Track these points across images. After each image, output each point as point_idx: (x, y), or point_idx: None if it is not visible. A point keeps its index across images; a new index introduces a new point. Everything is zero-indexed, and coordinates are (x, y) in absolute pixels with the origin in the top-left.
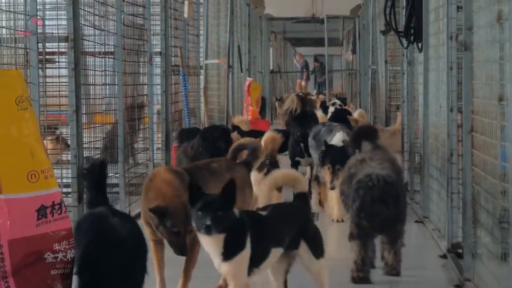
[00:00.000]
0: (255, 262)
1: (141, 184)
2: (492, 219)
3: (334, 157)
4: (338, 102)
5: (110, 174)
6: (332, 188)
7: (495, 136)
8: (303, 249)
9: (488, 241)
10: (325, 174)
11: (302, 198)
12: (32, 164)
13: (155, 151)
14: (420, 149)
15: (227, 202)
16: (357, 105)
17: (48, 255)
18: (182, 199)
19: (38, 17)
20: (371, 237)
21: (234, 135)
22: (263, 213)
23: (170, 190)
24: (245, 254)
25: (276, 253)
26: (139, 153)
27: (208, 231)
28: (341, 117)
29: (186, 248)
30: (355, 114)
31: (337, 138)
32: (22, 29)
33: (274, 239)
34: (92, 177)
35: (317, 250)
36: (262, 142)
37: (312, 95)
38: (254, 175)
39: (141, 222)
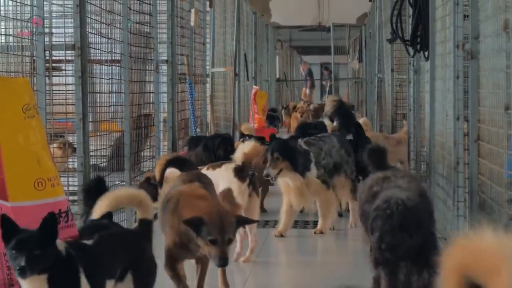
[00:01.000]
0: None
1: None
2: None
3: (275, 147)
4: None
5: (117, 182)
6: (266, 176)
7: (501, 145)
8: (128, 283)
9: None
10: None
11: (144, 225)
12: (39, 172)
13: None
14: (426, 158)
15: (47, 238)
16: (363, 114)
17: None
18: (216, 208)
19: (38, 16)
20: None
21: (237, 143)
22: (89, 242)
23: (203, 202)
24: None
25: (109, 285)
26: (145, 161)
27: (23, 273)
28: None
29: (227, 258)
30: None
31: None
32: (29, 38)
33: (106, 270)
34: (92, 197)
35: (142, 285)
36: (243, 153)
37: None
38: (237, 185)
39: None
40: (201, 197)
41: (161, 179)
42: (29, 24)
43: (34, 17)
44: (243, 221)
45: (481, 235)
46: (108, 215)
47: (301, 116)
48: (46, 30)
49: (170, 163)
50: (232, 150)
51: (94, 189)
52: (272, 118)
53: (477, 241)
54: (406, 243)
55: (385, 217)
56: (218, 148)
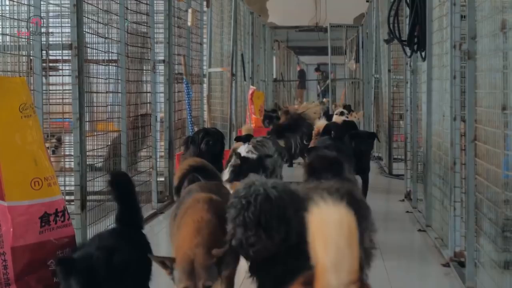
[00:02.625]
0: None
1: (144, 192)
2: (495, 228)
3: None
4: (345, 111)
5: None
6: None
7: (498, 145)
8: None
9: (491, 250)
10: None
11: None
12: (36, 172)
13: (158, 159)
14: (423, 158)
15: None
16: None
17: (51, 262)
18: (194, 249)
19: (37, 16)
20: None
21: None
22: None
23: (190, 233)
24: None
25: None
26: (142, 161)
27: None
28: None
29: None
30: None
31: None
32: (25, 37)
33: None
34: (117, 191)
35: None
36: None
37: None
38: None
39: None
40: (196, 222)
41: (180, 185)
42: (28, 24)
43: (34, 17)
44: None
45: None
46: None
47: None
48: (43, 29)
49: (193, 170)
50: (216, 143)
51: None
52: (271, 118)
53: (316, 211)
54: (261, 241)
55: (240, 207)
56: (201, 141)
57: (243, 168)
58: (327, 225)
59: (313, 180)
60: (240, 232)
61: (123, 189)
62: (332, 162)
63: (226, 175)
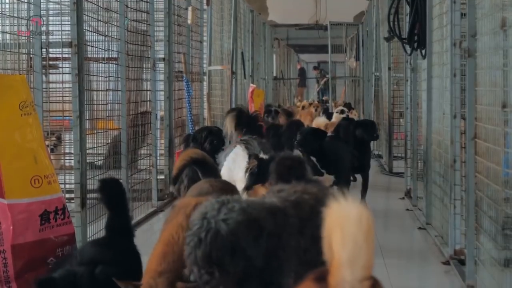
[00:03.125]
0: None
1: (144, 190)
2: (495, 226)
3: None
4: (346, 110)
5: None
6: None
7: (498, 143)
8: None
9: (491, 247)
10: None
11: None
12: (36, 169)
13: (158, 157)
14: (423, 156)
15: None
16: (361, 112)
17: (51, 260)
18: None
19: (37, 16)
20: None
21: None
22: None
23: (159, 259)
24: None
25: None
26: (142, 159)
27: None
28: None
29: None
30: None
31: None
32: (26, 35)
33: None
34: (108, 198)
35: None
36: None
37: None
38: None
39: None
40: (167, 241)
41: (178, 176)
42: (28, 23)
43: (34, 17)
44: None
45: (339, 203)
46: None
47: (315, 111)
48: (43, 28)
49: (194, 162)
50: (219, 143)
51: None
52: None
53: (334, 207)
54: (215, 279)
55: (192, 245)
56: (205, 141)
57: (261, 170)
58: (346, 221)
59: (281, 183)
60: (195, 270)
61: (114, 197)
62: (295, 164)
63: (243, 181)
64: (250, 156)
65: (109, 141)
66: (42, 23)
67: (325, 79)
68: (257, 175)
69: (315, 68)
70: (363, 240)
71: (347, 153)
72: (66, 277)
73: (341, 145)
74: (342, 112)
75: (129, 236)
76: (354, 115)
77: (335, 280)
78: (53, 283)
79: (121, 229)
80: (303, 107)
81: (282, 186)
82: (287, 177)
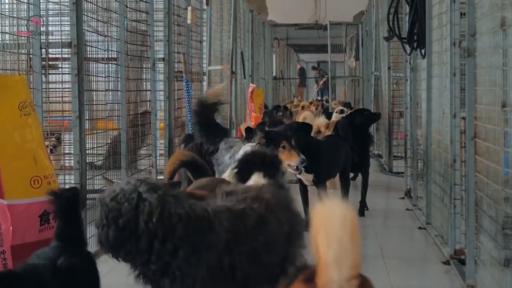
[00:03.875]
0: None
1: None
2: (495, 225)
3: None
4: (345, 109)
5: (114, 180)
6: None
7: (498, 142)
8: None
9: (491, 247)
10: None
11: None
12: (35, 170)
13: (158, 157)
14: (423, 156)
15: None
16: None
17: None
18: None
19: (37, 16)
20: None
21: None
22: None
23: None
24: None
25: None
26: (142, 159)
27: None
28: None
29: None
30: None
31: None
32: (25, 36)
33: None
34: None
35: None
36: None
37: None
38: None
39: None
40: None
41: (171, 179)
42: (28, 23)
43: (33, 17)
44: None
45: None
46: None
47: (316, 109)
48: (43, 28)
49: (184, 164)
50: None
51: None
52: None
53: (319, 208)
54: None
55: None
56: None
57: (269, 140)
58: (331, 221)
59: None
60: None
61: (67, 205)
62: (265, 161)
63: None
64: (255, 130)
65: (109, 141)
66: (42, 23)
67: (324, 79)
68: (266, 145)
69: (313, 68)
70: (349, 240)
71: (335, 154)
72: (28, 271)
73: (331, 144)
74: (341, 112)
75: (81, 245)
76: None
77: (323, 280)
78: (14, 277)
79: (72, 238)
80: (302, 107)
81: (235, 187)
82: (248, 172)
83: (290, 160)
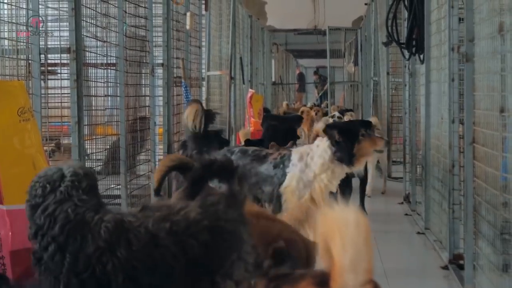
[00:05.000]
0: None
1: (143, 196)
2: (493, 230)
3: None
4: (337, 114)
5: (112, 186)
6: None
7: (496, 148)
8: None
9: (490, 252)
10: None
11: None
12: (34, 175)
13: (157, 163)
14: (422, 161)
15: None
16: (359, 117)
17: None
18: None
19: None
20: None
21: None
22: None
23: None
24: None
25: None
26: (141, 164)
27: None
28: None
29: None
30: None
31: None
32: (24, 41)
33: None
34: None
35: None
36: None
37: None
38: None
39: None
40: None
41: (160, 187)
42: (28, 23)
43: (33, 17)
44: None
45: (335, 209)
46: None
47: (316, 115)
48: (42, 28)
49: (171, 169)
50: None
51: None
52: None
53: (330, 213)
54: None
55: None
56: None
57: (342, 136)
58: (346, 226)
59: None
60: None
61: None
62: (220, 168)
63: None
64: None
65: (108, 146)
66: (42, 24)
67: (324, 89)
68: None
69: (315, 73)
70: (363, 244)
71: None
72: None
73: None
74: (339, 118)
75: None
76: (351, 117)
77: (338, 284)
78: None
79: None
80: (301, 113)
81: (169, 202)
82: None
83: (375, 146)
